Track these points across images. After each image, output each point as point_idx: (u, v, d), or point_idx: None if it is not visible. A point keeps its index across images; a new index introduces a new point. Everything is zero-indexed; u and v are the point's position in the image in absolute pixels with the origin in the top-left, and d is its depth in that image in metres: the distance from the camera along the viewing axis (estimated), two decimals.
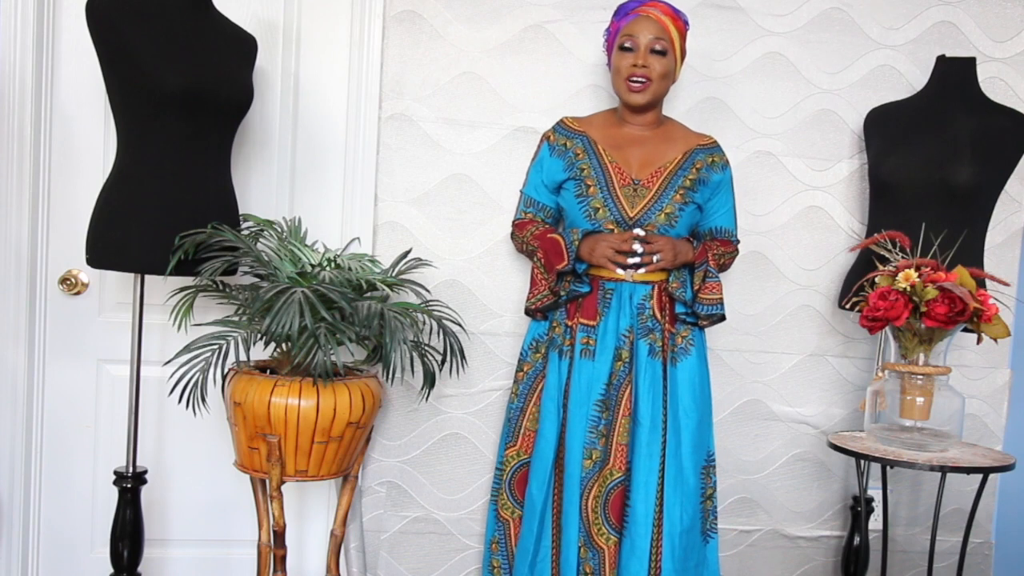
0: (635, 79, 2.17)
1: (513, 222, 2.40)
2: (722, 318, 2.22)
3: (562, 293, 2.22)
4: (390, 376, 2.00)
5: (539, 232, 2.27)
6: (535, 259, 2.26)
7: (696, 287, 2.19)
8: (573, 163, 2.25)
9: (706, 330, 2.29)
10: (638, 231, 2.18)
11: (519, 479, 2.28)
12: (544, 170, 2.31)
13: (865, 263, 2.38)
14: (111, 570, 2.16)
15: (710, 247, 2.25)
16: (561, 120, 2.34)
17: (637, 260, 2.17)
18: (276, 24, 2.45)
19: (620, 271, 2.18)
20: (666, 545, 2.11)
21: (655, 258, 2.15)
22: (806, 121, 2.61)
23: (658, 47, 2.17)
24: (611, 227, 2.19)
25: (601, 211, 2.19)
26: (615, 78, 2.23)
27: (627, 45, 2.18)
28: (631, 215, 2.19)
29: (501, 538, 2.30)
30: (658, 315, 2.20)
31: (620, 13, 2.24)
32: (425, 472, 2.52)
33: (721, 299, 2.21)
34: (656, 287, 2.21)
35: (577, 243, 2.17)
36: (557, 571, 2.18)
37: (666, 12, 2.19)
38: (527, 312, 2.29)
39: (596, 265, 2.18)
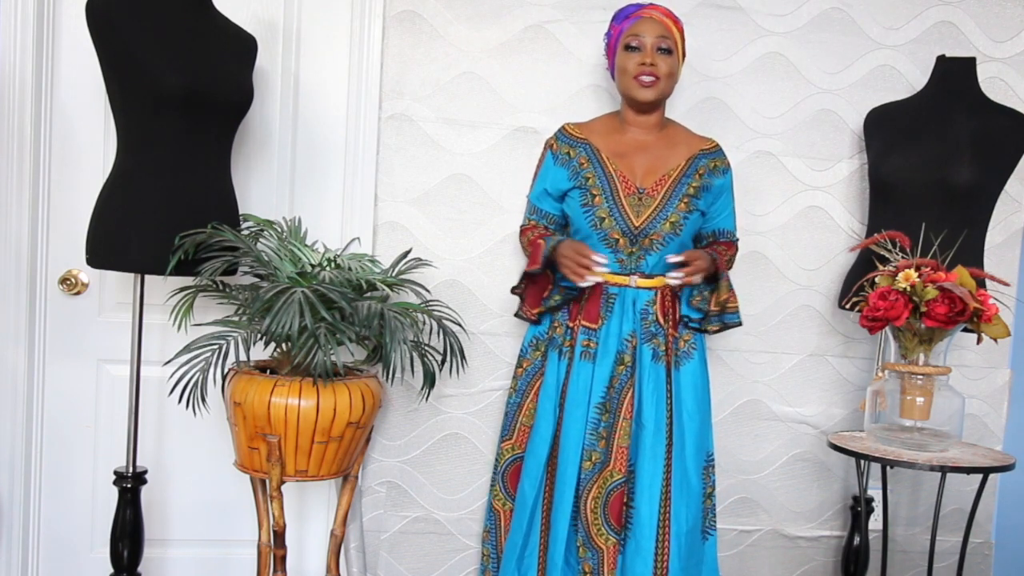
0: (644, 76, 2.18)
1: (520, 227, 2.42)
2: (740, 323, 2.27)
3: (557, 298, 2.23)
4: (390, 376, 2.00)
5: (534, 237, 2.30)
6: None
7: (724, 297, 2.22)
8: (578, 172, 2.26)
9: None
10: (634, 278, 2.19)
11: (512, 473, 2.31)
12: (549, 179, 2.33)
13: (865, 263, 2.38)
14: (111, 570, 2.16)
15: (720, 254, 2.27)
16: (563, 127, 2.34)
17: (594, 281, 2.14)
18: (276, 24, 2.45)
19: (620, 276, 2.20)
20: (673, 545, 2.13)
21: (694, 280, 2.15)
22: (806, 121, 2.61)
23: (664, 46, 2.19)
24: (616, 237, 2.20)
25: (607, 221, 2.20)
26: (621, 78, 2.24)
27: (633, 44, 2.20)
28: (636, 224, 2.19)
29: (492, 527, 2.35)
30: (661, 320, 2.21)
31: (620, 17, 2.26)
32: (425, 472, 2.52)
33: (739, 307, 2.26)
34: (659, 292, 2.22)
35: (551, 249, 2.19)
36: (544, 568, 2.19)
37: (667, 14, 2.24)
38: (517, 315, 2.32)
39: (567, 275, 2.16)
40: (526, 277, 2.29)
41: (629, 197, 2.21)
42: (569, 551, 2.17)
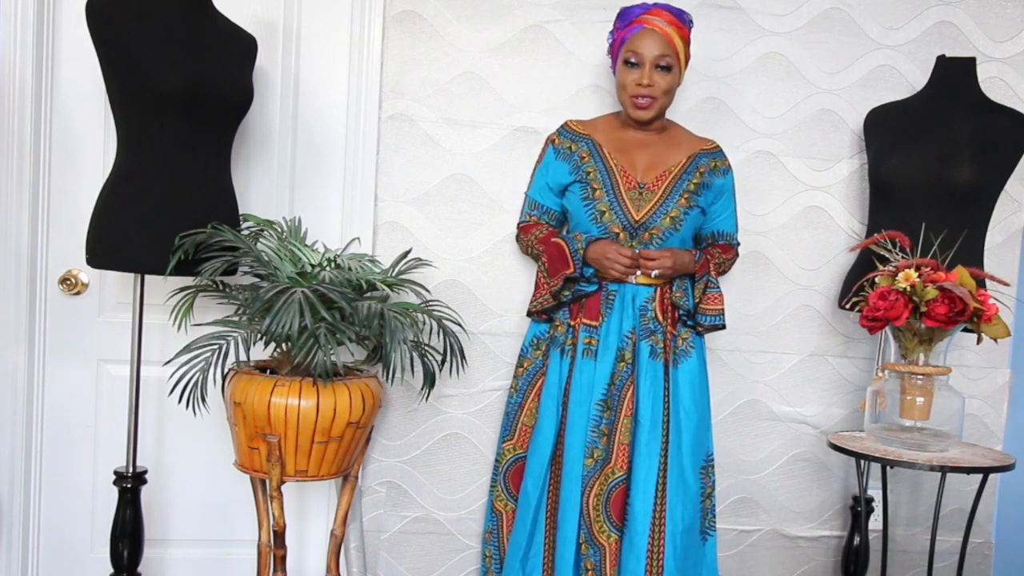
0: (640, 97, 2.18)
1: (518, 224, 2.42)
2: (722, 327, 2.24)
3: (566, 294, 2.23)
4: (390, 376, 2.00)
5: (543, 236, 2.29)
6: (539, 263, 2.28)
7: (697, 299, 2.22)
8: (579, 166, 2.26)
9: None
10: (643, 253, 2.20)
11: (514, 473, 2.31)
12: (549, 173, 2.32)
13: (865, 263, 2.38)
14: (111, 570, 2.16)
15: (712, 256, 2.27)
16: (565, 123, 2.34)
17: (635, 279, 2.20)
18: (276, 24, 2.45)
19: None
20: (668, 544, 2.12)
21: (653, 273, 2.17)
22: (806, 121, 2.61)
23: (663, 63, 2.16)
24: (617, 231, 2.20)
25: (607, 214, 2.20)
26: (620, 92, 2.23)
27: (632, 61, 2.18)
28: (637, 218, 2.19)
29: (494, 528, 2.34)
30: (660, 317, 2.21)
31: (624, 20, 2.23)
32: (425, 472, 2.52)
33: (722, 309, 2.24)
34: (659, 290, 2.22)
35: (582, 251, 2.19)
36: (550, 567, 2.20)
37: (671, 22, 2.18)
38: (529, 314, 2.31)
39: (602, 275, 2.21)
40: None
41: (630, 191, 2.21)
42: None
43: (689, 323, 2.25)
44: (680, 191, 2.22)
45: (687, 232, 2.25)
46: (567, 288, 2.23)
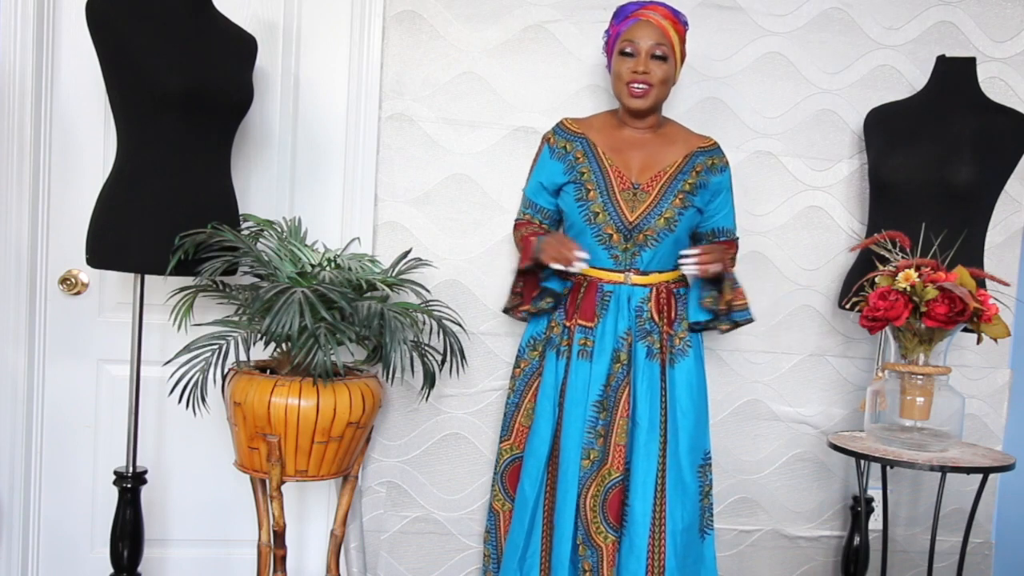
0: (636, 84, 2.17)
1: (515, 222, 2.42)
2: (751, 320, 2.26)
3: (549, 300, 2.23)
4: (390, 376, 2.00)
5: (527, 234, 2.29)
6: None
7: (728, 296, 2.20)
8: (573, 166, 2.25)
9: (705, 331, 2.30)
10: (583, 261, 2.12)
11: (511, 473, 2.31)
12: (544, 173, 2.32)
13: (865, 263, 2.38)
14: (111, 570, 2.16)
15: (725, 252, 2.26)
16: (561, 122, 2.34)
17: (578, 269, 2.11)
18: (276, 24, 2.45)
19: (614, 273, 2.21)
20: (668, 543, 2.13)
21: (710, 269, 2.13)
22: (806, 121, 2.61)
23: (659, 52, 2.17)
24: (610, 232, 2.20)
25: (601, 215, 2.20)
26: (616, 83, 2.23)
27: (628, 50, 2.18)
28: (631, 219, 2.19)
29: (491, 527, 2.35)
30: (656, 317, 2.21)
31: (619, 16, 2.24)
32: (425, 472, 2.52)
33: (748, 303, 2.24)
34: (654, 290, 2.22)
35: (540, 244, 2.18)
36: (547, 567, 2.20)
37: (666, 16, 2.19)
38: (505, 311, 2.34)
39: (547, 262, 2.15)
40: (520, 275, 2.30)
41: (624, 192, 2.21)
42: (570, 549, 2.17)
43: (711, 326, 2.24)
44: (675, 192, 2.22)
45: (682, 232, 2.24)
46: (546, 296, 2.23)
